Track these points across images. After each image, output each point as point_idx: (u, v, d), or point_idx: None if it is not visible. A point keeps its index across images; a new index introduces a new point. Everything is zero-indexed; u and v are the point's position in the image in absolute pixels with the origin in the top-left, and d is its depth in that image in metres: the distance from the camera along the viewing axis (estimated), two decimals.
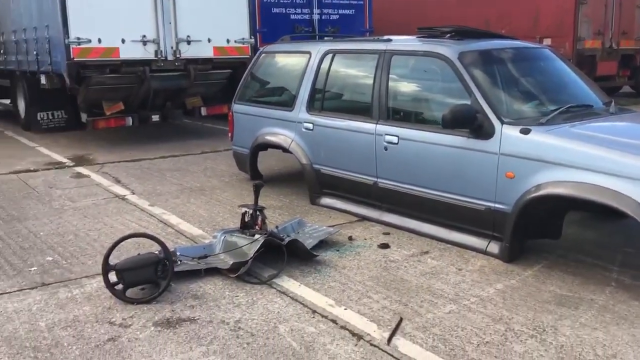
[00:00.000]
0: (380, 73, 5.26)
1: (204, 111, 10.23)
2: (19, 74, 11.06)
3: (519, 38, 6.00)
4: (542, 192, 4.00)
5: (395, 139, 5.00)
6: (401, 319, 3.48)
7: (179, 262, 4.20)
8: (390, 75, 5.20)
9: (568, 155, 3.93)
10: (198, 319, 3.56)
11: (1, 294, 3.95)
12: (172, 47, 9.21)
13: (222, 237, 4.53)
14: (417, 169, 4.85)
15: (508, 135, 4.25)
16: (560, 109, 4.54)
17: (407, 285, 3.98)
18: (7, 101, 12.58)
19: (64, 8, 8.38)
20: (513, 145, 4.21)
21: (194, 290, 3.96)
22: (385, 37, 5.63)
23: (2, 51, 11.65)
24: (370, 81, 5.34)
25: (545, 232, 4.47)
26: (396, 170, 5.03)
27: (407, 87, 5.36)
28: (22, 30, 10.28)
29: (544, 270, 4.20)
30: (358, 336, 3.31)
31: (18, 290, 4.00)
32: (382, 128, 5.13)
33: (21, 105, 11.50)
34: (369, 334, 3.33)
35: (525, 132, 4.18)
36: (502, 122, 4.32)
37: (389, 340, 3.25)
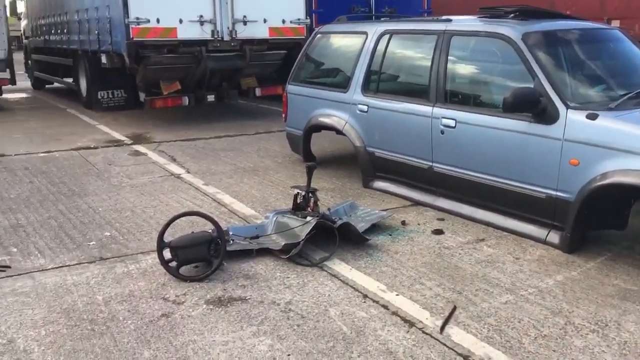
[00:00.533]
0: (438, 54, 5.10)
1: (258, 92, 10.27)
2: (81, 53, 11.37)
3: (585, 19, 5.71)
4: (608, 180, 3.80)
5: (452, 123, 4.85)
6: (455, 307, 3.39)
7: (231, 242, 4.22)
8: (449, 57, 5.04)
9: (638, 142, 3.72)
10: (249, 298, 3.57)
11: (62, 266, 4.08)
12: (228, 28, 9.25)
13: (274, 218, 4.53)
14: (475, 154, 4.70)
15: (573, 120, 4.06)
16: (630, 94, 4.29)
17: (462, 273, 3.88)
18: (70, 80, 12.97)
19: None
20: (579, 131, 4.01)
21: (246, 270, 3.98)
22: (445, 17, 5.46)
23: (65, 30, 11.99)
24: (428, 63, 5.20)
25: (609, 223, 4.27)
26: (453, 154, 4.90)
27: (466, 69, 5.19)
28: (85, 10, 10.54)
29: (607, 262, 4.01)
30: (410, 323, 3.25)
31: (77, 264, 4.12)
32: (439, 111, 4.99)
33: (83, 84, 11.84)
34: (421, 322, 3.26)
35: (593, 117, 3.98)
36: (568, 107, 4.13)
37: (442, 328, 3.18)
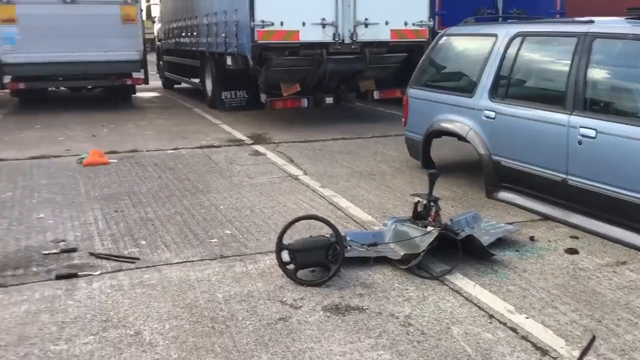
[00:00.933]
0: (578, 58, 4.72)
1: (376, 95, 10.15)
2: (208, 55, 11.86)
3: None
4: None
5: (592, 133, 4.46)
6: (594, 337, 3.07)
7: (348, 248, 4.14)
8: (590, 62, 4.64)
9: None
10: (367, 308, 3.46)
11: (185, 262, 4.20)
12: (349, 30, 9.22)
13: (393, 226, 4.39)
14: (618, 168, 4.29)
15: None
16: None
17: (601, 298, 3.53)
18: (197, 80, 13.60)
19: None
20: None
21: (363, 279, 3.88)
22: (586, 19, 5.05)
23: (194, 33, 12.59)
24: (566, 67, 4.83)
25: None
26: (591, 167, 4.50)
27: (610, 75, 4.77)
28: (213, 14, 10.98)
29: None
30: (542, 350, 2.98)
31: (200, 260, 4.23)
32: (576, 120, 4.61)
33: (208, 84, 12.36)
34: (555, 350, 2.98)
35: None
36: None
37: None
